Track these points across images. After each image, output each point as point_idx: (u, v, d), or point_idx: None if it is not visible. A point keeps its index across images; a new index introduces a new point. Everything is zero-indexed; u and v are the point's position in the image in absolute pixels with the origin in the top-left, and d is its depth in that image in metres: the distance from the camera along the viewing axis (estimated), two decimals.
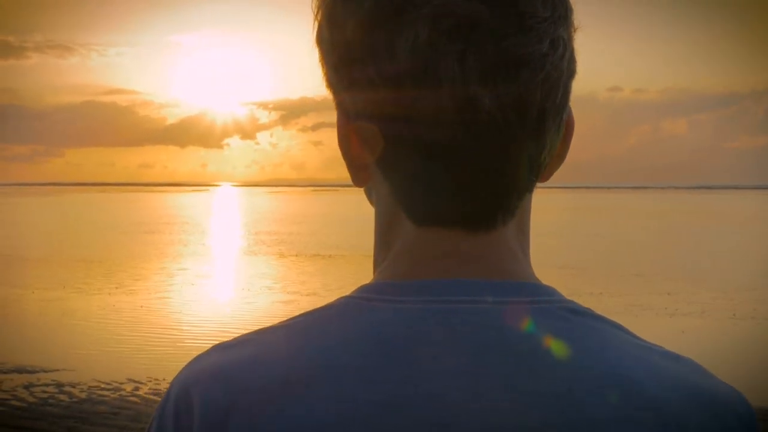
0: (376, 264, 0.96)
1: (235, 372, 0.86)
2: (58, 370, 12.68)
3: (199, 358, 0.92)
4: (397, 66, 0.84)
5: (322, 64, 0.94)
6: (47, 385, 11.86)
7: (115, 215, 67.61)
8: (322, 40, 0.93)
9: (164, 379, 12.02)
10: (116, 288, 22.09)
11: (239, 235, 44.75)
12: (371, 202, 1.00)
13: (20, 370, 12.63)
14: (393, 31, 0.85)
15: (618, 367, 0.85)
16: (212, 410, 0.85)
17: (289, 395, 0.83)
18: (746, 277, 24.21)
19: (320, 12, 0.93)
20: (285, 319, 0.91)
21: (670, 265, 27.91)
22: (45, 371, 12.59)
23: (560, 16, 0.88)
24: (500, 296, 0.87)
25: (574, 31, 0.91)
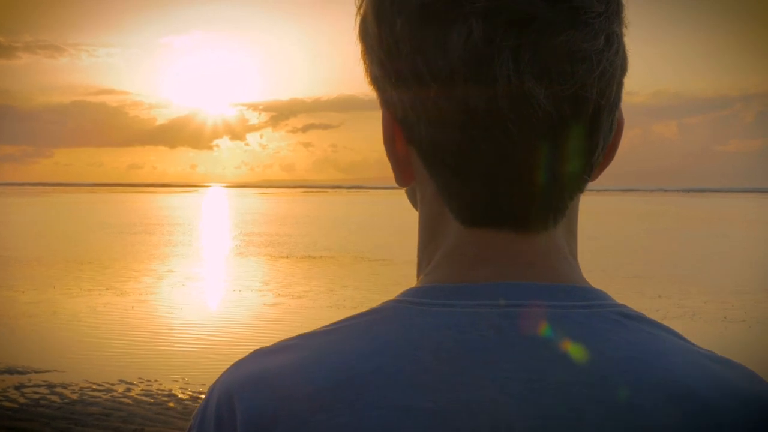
0: (421, 266, 0.94)
1: (280, 378, 0.83)
2: (49, 371, 12.62)
3: (239, 364, 0.89)
4: (450, 62, 0.82)
5: (365, 60, 0.92)
6: (39, 386, 11.80)
7: (105, 216, 67.42)
8: (367, 35, 0.90)
9: (156, 380, 11.97)
10: (107, 289, 22.00)
11: (229, 237, 44.64)
12: (413, 203, 0.97)
13: (11, 371, 12.57)
14: (445, 26, 0.82)
15: (675, 374, 0.83)
16: (257, 417, 0.82)
17: (339, 402, 0.80)
18: (737, 280, 24.22)
19: (365, 5, 0.91)
20: (329, 322, 0.89)
21: (661, 267, 27.92)
22: (36, 372, 12.54)
23: (614, 12, 0.86)
24: (554, 300, 0.85)
25: (626, 27, 0.89)
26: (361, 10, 0.91)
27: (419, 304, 0.86)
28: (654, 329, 0.87)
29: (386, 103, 0.90)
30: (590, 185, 0.92)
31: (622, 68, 0.88)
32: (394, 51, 0.86)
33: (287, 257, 31.33)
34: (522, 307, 0.84)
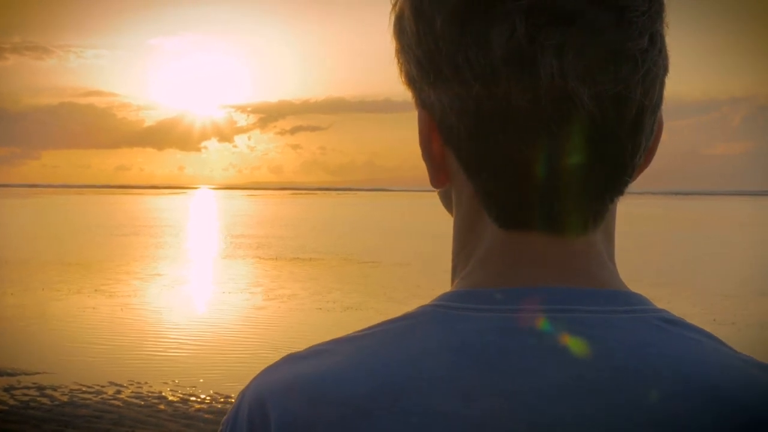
0: (456, 270, 0.92)
1: (315, 384, 0.82)
2: (38, 373, 12.58)
3: (271, 369, 0.87)
4: (492, 60, 0.80)
5: (399, 59, 0.90)
6: (28, 388, 11.76)
7: (93, 217, 67.28)
8: (403, 33, 0.88)
9: (146, 383, 11.95)
10: (95, 290, 21.95)
11: (218, 239, 44.61)
12: (446, 206, 0.95)
13: (1, 373, 12.52)
14: (487, 24, 0.80)
15: (714, 379, 0.81)
16: (292, 423, 0.81)
17: (377, 409, 0.79)
18: (726, 283, 24.30)
19: (401, 2, 0.89)
20: (362, 328, 0.87)
21: (649, 270, 27.96)
22: (26, 374, 12.49)
23: (656, 11, 0.84)
24: (594, 306, 0.83)
25: (667, 27, 0.87)
26: (397, 7, 0.90)
27: (456, 308, 0.84)
28: (695, 334, 0.85)
29: (423, 103, 0.88)
30: None
31: (665, 69, 0.86)
32: (434, 49, 0.84)
33: (276, 259, 31.30)
34: (562, 312, 0.82)
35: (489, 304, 0.83)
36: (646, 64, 0.82)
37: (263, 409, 0.83)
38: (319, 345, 0.87)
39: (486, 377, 0.79)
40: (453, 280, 0.92)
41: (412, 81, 0.89)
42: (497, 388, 0.79)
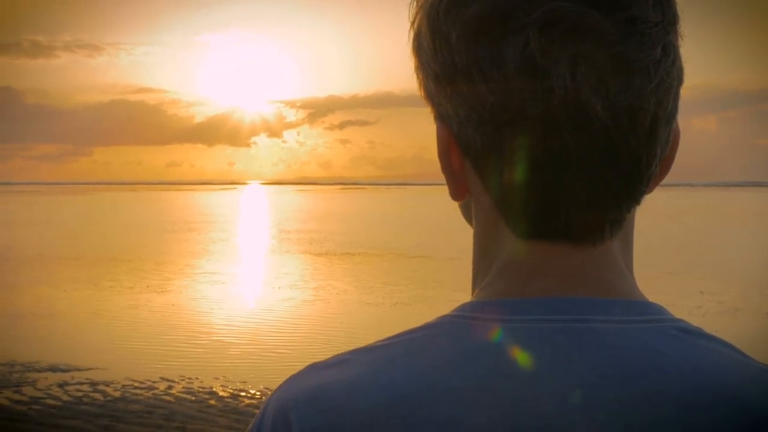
0: (476, 281, 0.93)
1: (336, 394, 0.83)
2: (91, 368, 12.73)
3: (294, 378, 0.89)
4: (506, 73, 0.81)
5: (419, 74, 0.92)
6: (81, 383, 11.91)
7: (144, 214, 67.92)
8: (421, 49, 0.90)
9: (197, 378, 12.04)
10: (147, 287, 22.16)
11: (268, 234, 44.82)
12: (466, 217, 0.96)
13: (54, 369, 12.69)
14: (501, 38, 0.82)
15: (731, 389, 0.81)
16: None
17: (394, 418, 0.80)
18: None
19: (419, 19, 0.90)
20: (388, 335, 0.88)
21: (702, 263, 27.73)
22: (79, 370, 12.65)
23: (670, 22, 0.85)
24: (611, 315, 0.84)
25: (681, 38, 0.88)
26: (415, 25, 0.91)
27: (475, 319, 0.85)
28: (712, 344, 0.85)
29: (442, 117, 0.89)
30: None
31: (679, 79, 0.87)
32: (450, 64, 0.85)
33: (325, 254, 31.40)
34: (579, 322, 0.83)
35: (506, 314, 0.84)
36: (659, 74, 0.83)
37: (286, 418, 0.84)
38: (341, 354, 0.89)
39: (502, 387, 0.80)
40: (473, 290, 0.93)
41: (430, 95, 0.91)
42: (512, 398, 0.80)
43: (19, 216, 62.42)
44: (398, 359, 0.84)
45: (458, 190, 0.92)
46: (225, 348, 14.42)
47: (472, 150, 0.87)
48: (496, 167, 0.85)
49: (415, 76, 0.92)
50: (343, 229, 46.41)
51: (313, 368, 0.89)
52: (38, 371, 12.60)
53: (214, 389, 11.61)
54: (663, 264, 26.83)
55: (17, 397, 11.29)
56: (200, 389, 11.61)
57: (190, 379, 12.10)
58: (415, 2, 0.91)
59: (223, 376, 12.19)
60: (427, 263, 27.54)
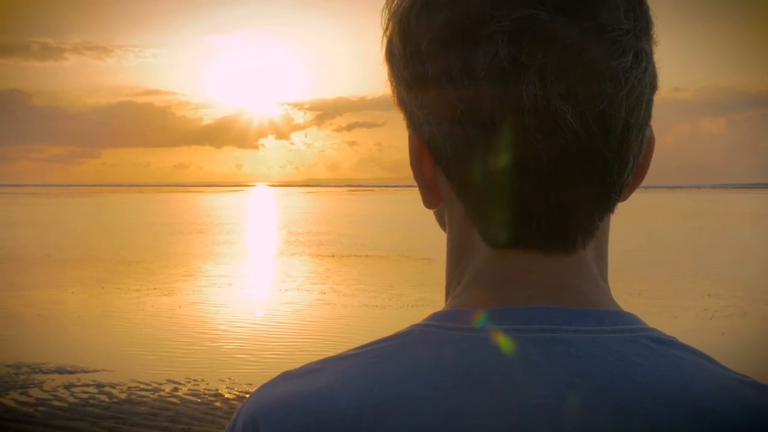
0: (449, 289, 0.92)
1: (305, 403, 0.83)
2: (97, 370, 12.75)
3: (266, 387, 0.89)
4: (476, 81, 0.81)
5: (391, 81, 0.91)
6: (87, 385, 11.93)
7: (152, 216, 67.95)
8: (393, 56, 0.90)
9: (203, 380, 12.06)
10: (154, 289, 22.18)
11: (275, 236, 44.82)
12: (441, 225, 0.96)
13: (61, 371, 12.71)
14: (471, 45, 0.81)
15: (703, 400, 0.80)
16: None
17: (362, 428, 0.80)
18: None
19: (391, 26, 0.90)
20: (359, 344, 0.88)
21: (710, 266, 27.64)
22: (85, 371, 12.67)
23: (642, 29, 0.84)
24: (582, 325, 0.83)
25: (655, 44, 0.87)
26: (387, 32, 0.91)
27: (445, 328, 0.84)
28: (686, 354, 0.84)
29: (413, 125, 0.89)
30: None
31: (652, 86, 0.86)
32: (420, 71, 0.85)
33: (333, 256, 31.38)
34: (551, 332, 0.82)
35: (476, 324, 0.83)
36: (630, 82, 0.82)
37: (256, 426, 0.84)
38: (313, 363, 0.89)
39: (469, 397, 0.79)
40: (446, 299, 0.92)
41: (402, 103, 0.90)
42: (480, 408, 0.79)
43: (26, 217, 62.49)
44: (369, 368, 0.84)
45: (431, 198, 0.92)
46: (231, 350, 14.42)
47: (443, 158, 0.86)
48: (466, 175, 0.85)
49: (388, 83, 0.92)
50: (351, 231, 46.38)
51: (284, 377, 0.89)
52: (45, 373, 12.62)
53: (219, 391, 11.62)
54: (671, 266, 26.79)
55: (23, 398, 11.31)
56: (206, 391, 11.62)
57: (195, 381, 12.11)
58: (387, 9, 0.91)
59: (229, 379, 12.20)
60: (433, 265, 27.49)
